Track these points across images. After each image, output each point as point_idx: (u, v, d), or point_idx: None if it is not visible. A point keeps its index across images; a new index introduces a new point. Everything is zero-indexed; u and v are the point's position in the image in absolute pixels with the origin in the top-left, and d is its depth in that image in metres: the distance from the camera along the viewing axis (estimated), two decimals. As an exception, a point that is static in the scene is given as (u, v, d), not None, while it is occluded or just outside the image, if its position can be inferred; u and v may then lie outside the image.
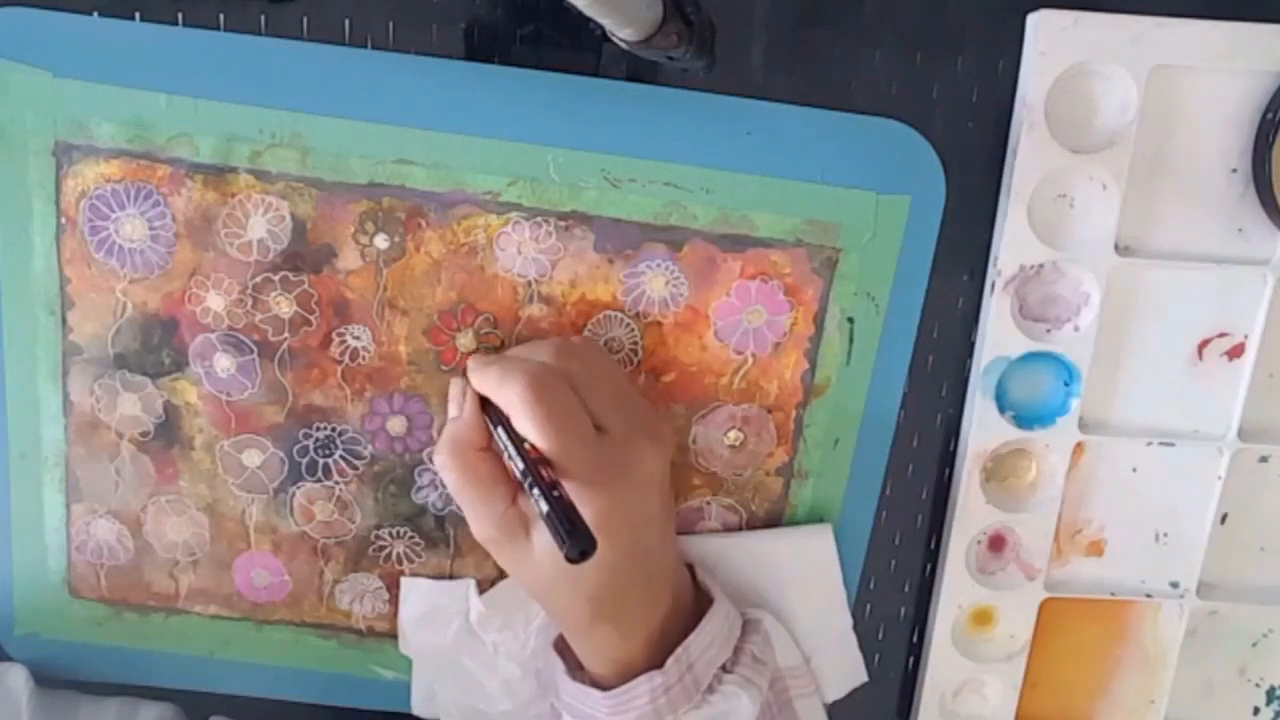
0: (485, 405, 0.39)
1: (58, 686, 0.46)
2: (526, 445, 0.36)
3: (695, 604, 0.41)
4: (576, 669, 0.41)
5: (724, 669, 0.40)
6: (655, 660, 0.38)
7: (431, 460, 0.44)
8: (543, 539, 0.36)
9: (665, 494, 0.40)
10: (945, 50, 0.40)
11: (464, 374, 0.41)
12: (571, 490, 0.35)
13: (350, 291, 0.42)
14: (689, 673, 0.38)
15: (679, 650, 0.38)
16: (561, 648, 0.42)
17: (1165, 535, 0.46)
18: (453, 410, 0.41)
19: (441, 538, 0.46)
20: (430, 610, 0.46)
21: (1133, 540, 0.46)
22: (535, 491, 0.34)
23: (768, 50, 0.40)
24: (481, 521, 0.38)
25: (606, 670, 0.39)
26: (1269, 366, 0.44)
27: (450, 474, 0.38)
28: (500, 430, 0.37)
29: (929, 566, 0.47)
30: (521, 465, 0.35)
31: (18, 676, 0.45)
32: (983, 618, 0.47)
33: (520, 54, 0.40)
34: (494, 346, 0.43)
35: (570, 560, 0.32)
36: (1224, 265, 0.42)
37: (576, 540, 0.32)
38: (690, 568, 0.43)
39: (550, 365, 0.38)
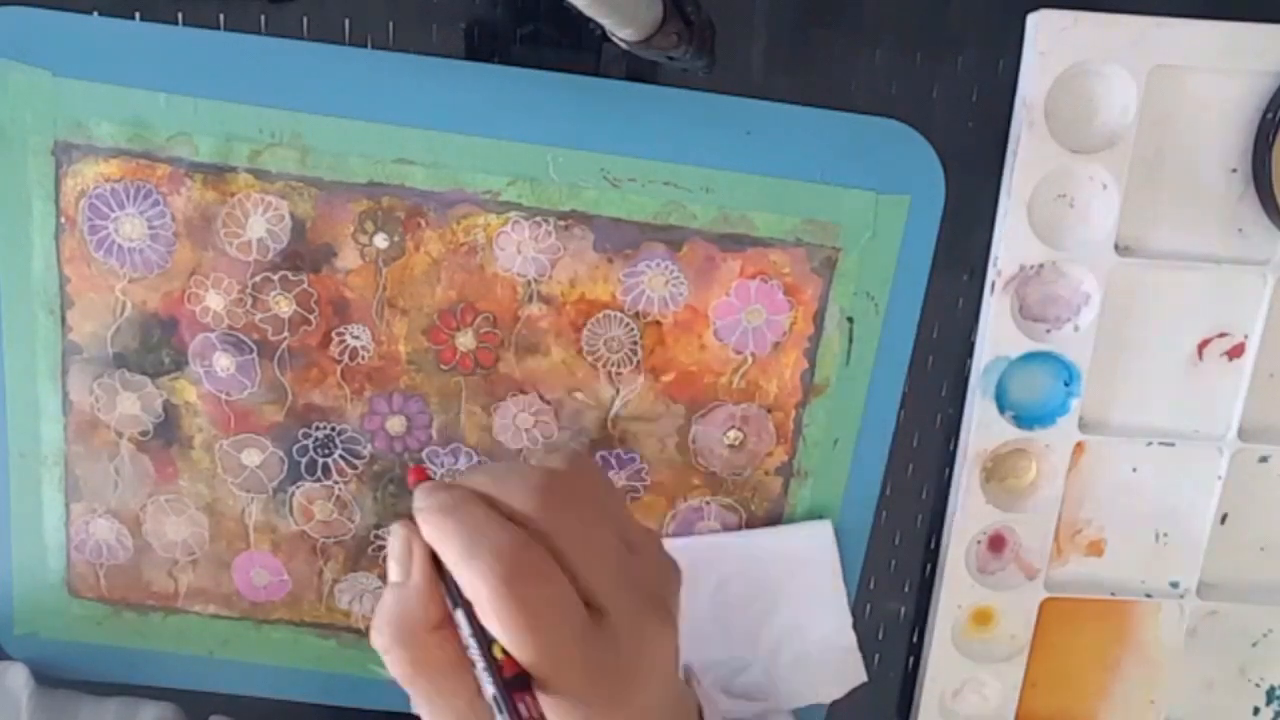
0: (440, 568, 0.28)
1: (58, 686, 0.46)
2: (496, 649, 0.27)
3: None
4: None
5: None
6: None
7: (430, 460, 0.44)
8: None
9: (674, 670, 0.31)
10: (945, 50, 0.40)
11: (409, 518, 0.29)
12: (561, 713, 0.27)
13: (349, 291, 0.42)
14: None
15: None
16: None
17: (1165, 535, 0.46)
18: (394, 573, 0.29)
19: (441, 537, 0.46)
20: (429, 610, 0.45)
21: (1133, 540, 0.46)
22: None
23: (768, 50, 0.40)
24: None
25: None
26: (1269, 366, 0.44)
27: (393, 661, 0.28)
28: (460, 614, 0.27)
29: (929, 566, 0.47)
30: (490, 685, 0.26)
31: (18, 676, 0.45)
32: (983, 618, 0.47)
33: (520, 54, 0.40)
34: (493, 347, 0.43)
35: None
36: (1224, 265, 0.42)
37: None
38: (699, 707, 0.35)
39: (529, 534, 0.28)
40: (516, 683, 0.27)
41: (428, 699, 0.29)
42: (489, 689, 0.26)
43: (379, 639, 0.28)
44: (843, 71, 0.40)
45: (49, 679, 0.46)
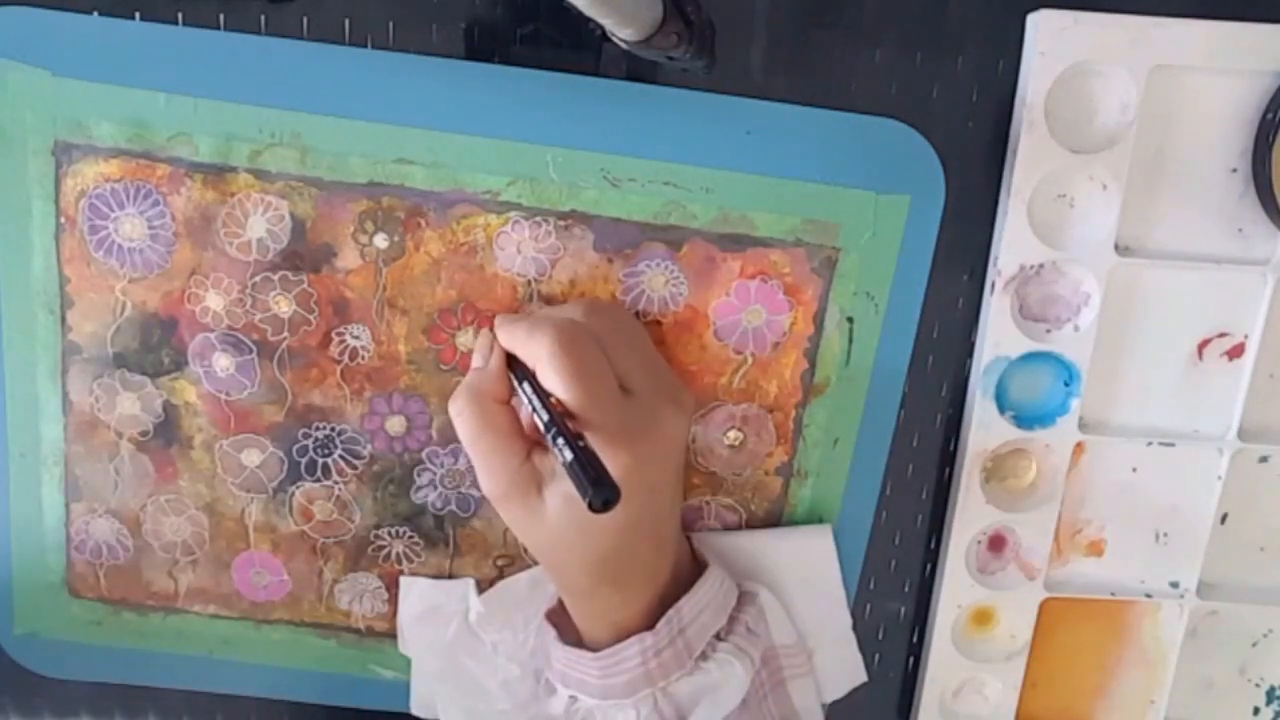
0: (510, 362, 0.39)
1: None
2: (551, 399, 0.36)
3: (692, 573, 0.41)
4: (570, 637, 0.41)
5: (718, 637, 0.40)
6: (653, 626, 0.39)
7: (430, 460, 0.44)
8: (556, 497, 0.36)
9: (680, 461, 0.41)
10: (945, 50, 0.40)
11: (491, 330, 0.41)
12: (594, 444, 0.34)
13: (349, 291, 0.42)
14: (681, 636, 0.38)
15: (670, 612, 0.39)
16: (555, 619, 0.42)
17: (1165, 535, 0.46)
18: (477, 361, 0.41)
19: (441, 537, 0.46)
20: (429, 609, 0.46)
21: (1133, 540, 0.46)
22: (560, 441, 0.33)
23: (768, 50, 0.40)
24: (494, 475, 0.37)
25: (604, 634, 0.39)
26: (1269, 366, 0.44)
27: (466, 422, 0.38)
28: (525, 385, 0.37)
29: (929, 566, 0.47)
30: (546, 417, 0.35)
31: None
32: (983, 618, 0.47)
33: (520, 54, 0.40)
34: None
35: (593, 509, 0.31)
36: (1224, 265, 0.42)
37: (601, 489, 0.31)
38: (688, 538, 0.43)
39: (578, 322, 0.38)
40: (564, 414, 0.35)
41: (486, 457, 0.37)
42: (543, 416, 0.35)
43: (456, 404, 0.38)
44: (843, 71, 0.40)
45: (48, 679, 0.47)
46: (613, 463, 0.34)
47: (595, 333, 0.37)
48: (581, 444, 0.33)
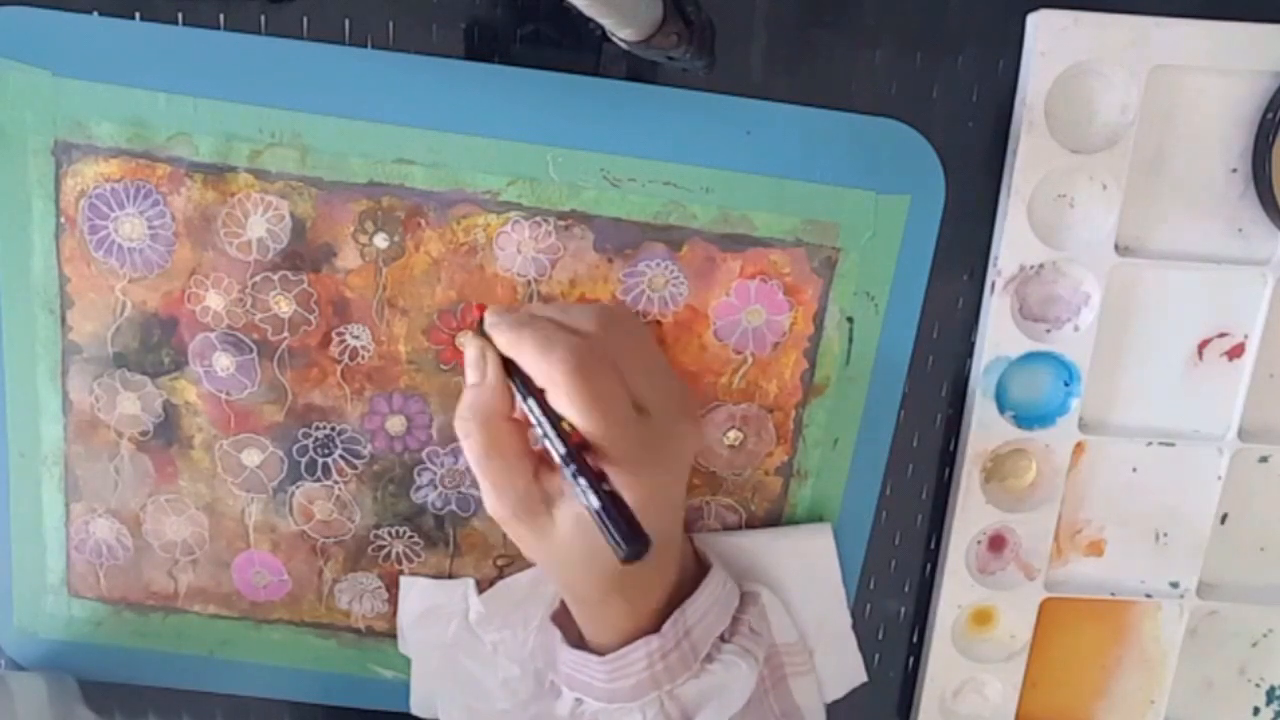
0: (509, 368, 0.36)
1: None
2: (564, 424, 0.34)
3: (695, 574, 0.41)
4: (575, 640, 0.41)
5: (722, 639, 0.40)
6: (658, 629, 0.38)
7: (431, 460, 0.44)
8: (568, 518, 0.35)
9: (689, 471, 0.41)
10: (945, 50, 0.40)
11: (478, 332, 0.37)
12: (612, 474, 0.33)
13: (349, 291, 0.42)
14: (686, 639, 0.38)
15: (675, 614, 0.38)
16: (560, 621, 0.41)
17: (1165, 535, 0.46)
18: (472, 376, 0.36)
19: (440, 537, 0.46)
20: (429, 609, 0.46)
21: (1133, 540, 0.46)
22: (583, 482, 0.32)
23: (768, 50, 0.40)
24: (501, 497, 0.35)
25: (610, 638, 0.39)
26: (1269, 366, 0.44)
27: (475, 444, 0.35)
28: (532, 403, 0.34)
29: (929, 566, 0.47)
30: (563, 450, 0.33)
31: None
32: (983, 618, 0.47)
33: (520, 54, 0.40)
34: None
35: (625, 563, 0.30)
36: (1224, 265, 0.42)
37: (634, 544, 0.30)
38: (690, 538, 0.43)
39: (592, 338, 0.35)
40: (580, 445, 0.33)
41: (494, 478, 0.35)
42: (559, 449, 0.33)
43: (462, 425, 0.35)
44: (843, 71, 0.40)
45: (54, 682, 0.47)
46: (629, 493, 0.33)
47: (610, 350, 0.35)
48: (606, 488, 0.32)
